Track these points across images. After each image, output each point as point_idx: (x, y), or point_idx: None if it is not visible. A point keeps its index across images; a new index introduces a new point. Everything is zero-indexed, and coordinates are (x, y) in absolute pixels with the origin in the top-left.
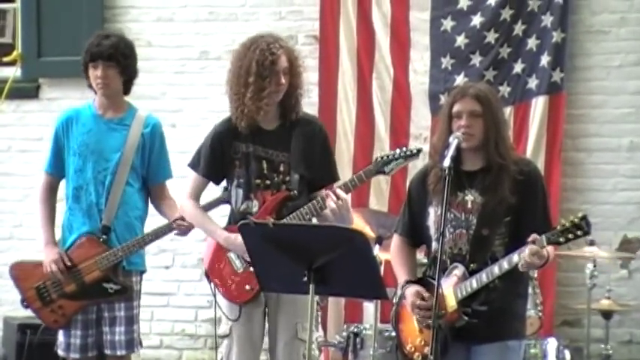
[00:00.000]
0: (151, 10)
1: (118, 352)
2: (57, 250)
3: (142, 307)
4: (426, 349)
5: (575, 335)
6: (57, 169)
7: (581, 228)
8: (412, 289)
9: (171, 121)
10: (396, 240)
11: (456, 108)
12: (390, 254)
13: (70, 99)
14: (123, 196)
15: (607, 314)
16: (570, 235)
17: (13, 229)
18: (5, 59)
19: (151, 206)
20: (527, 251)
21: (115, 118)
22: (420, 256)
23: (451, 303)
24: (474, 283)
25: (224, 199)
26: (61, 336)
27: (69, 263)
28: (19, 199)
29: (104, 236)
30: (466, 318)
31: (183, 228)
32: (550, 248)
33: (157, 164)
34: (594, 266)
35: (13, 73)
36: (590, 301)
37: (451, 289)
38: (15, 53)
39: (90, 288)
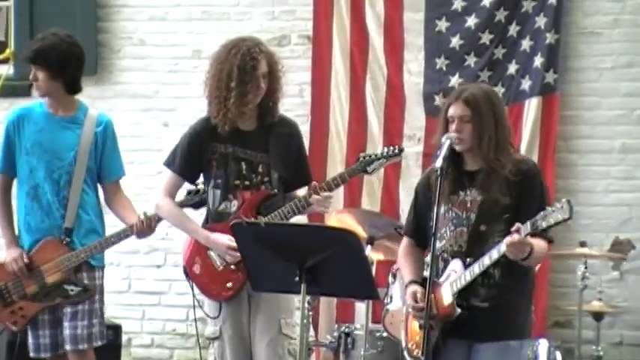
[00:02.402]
0: (145, 9)
1: (80, 347)
2: (20, 250)
3: (133, 305)
4: (414, 346)
5: (566, 336)
6: (9, 169)
7: (563, 212)
8: (410, 290)
9: (163, 120)
10: (403, 242)
11: (449, 112)
12: (398, 255)
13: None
14: (82, 197)
15: (598, 316)
16: (551, 220)
17: None
18: None
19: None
20: (504, 242)
21: (67, 117)
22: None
23: (447, 299)
24: (467, 276)
25: (187, 203)
26: (29, 337)
27: (27, 261)
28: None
29: (67, 239)
30: (459, 310)
31: (142, 230)
32: (540, 242)
33: (110, 162)
34: (586, 268)
35: (5, 71)
36: (582, 303)
37: (447, 284)
38: (7, 51)
39: (51, 289)
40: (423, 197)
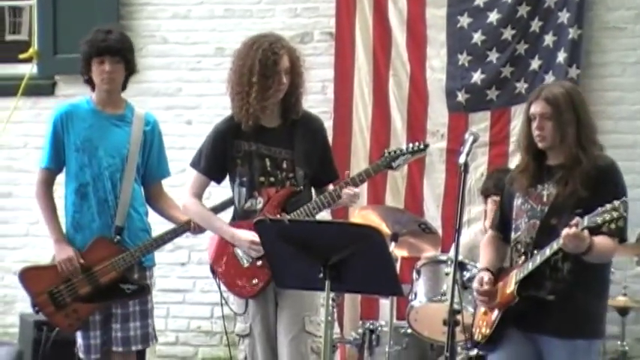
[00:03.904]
0: (167, 7)
1: (133, 348)
2: (70, 248)
3: (158, 303)
4: (483, 330)
5: None
6: (57, 164)
7: (617, 210)
8: (479, 276)
9: (187, 118)
10: (487, 233)
11: (531, 110)
12: (480, 246)
13: (86, 95)
14: (132, 195)
15: (623, 311)
16: (607, 216)
17: (30, 226)
18: (21, 56)
19: None
20: (561, 234)
21: (116, 114)
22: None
23: (510, 287)
24: (529, 265)
25: (233, 201)
26: (79, 338)
27: (82, 261)
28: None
29: (117, 237)
30: (517, 298)
31: (198, 226)
32: (604, 240)
33: (158, 162)
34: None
35: (29, 70)
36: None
37: (514, 273)
38: (31, 50)
39: (106, 289)
40: (508, 191)
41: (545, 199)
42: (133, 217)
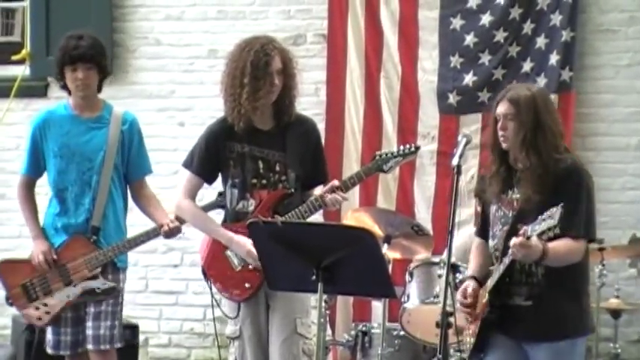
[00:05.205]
0: (160, 9)
1: (102, 347)
2: (47, 243)
3: (150, 305)
4: (468, 339)
5: None
6: (35, 171)
7: (552, 217)
8: (463, 286)
9: (179, 120)
10: (474, 241)
11: (497, 110)
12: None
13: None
14: (109, 196)
15: (616, 313)
16: (544, 225)
17: (22, 227)
18: (14, 58)
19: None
20: (510, 243)
21: (93, 117)
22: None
23: (485, 297)
24: (495, 275)
25: (218, 204)
26: (49, 334)
27: (55, 257)
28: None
29: (94, 237)
30: (488, 309)
31: (171, 231)
32: (563, 243)
33: (137, 160)
34: (603, 265)
35: (22, 71)
36: (599, 300)
37: (488, 282)
38: (24, 52)
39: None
40: (483, 199)
41: (515, 204)
42: (109, 217)
